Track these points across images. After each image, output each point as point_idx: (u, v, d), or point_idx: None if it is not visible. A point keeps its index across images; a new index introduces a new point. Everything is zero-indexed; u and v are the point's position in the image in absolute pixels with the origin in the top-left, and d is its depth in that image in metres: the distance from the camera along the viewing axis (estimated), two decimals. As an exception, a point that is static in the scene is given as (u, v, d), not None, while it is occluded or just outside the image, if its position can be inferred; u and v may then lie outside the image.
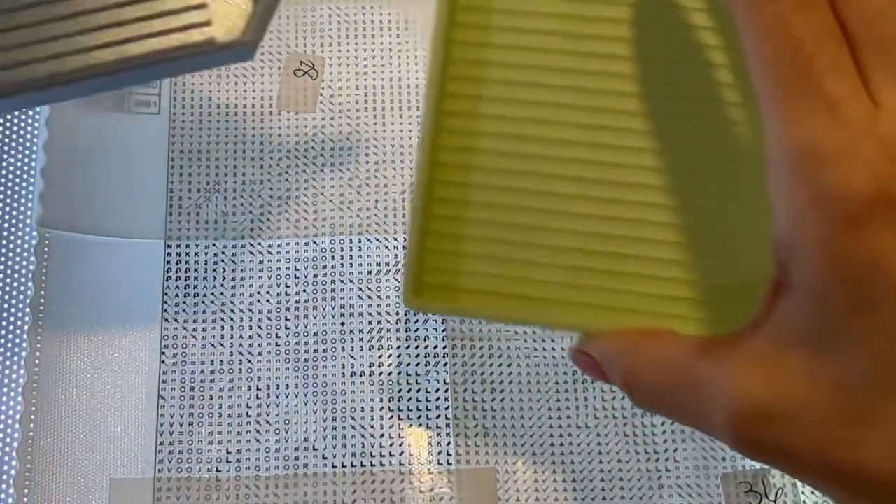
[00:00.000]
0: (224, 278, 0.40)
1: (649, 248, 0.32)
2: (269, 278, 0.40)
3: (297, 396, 0.39)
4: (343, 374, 0.39)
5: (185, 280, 0.40)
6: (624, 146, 0.32)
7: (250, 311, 0.40)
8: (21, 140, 0.42)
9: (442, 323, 0.40)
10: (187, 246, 0.41)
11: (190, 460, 0.38)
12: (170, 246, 0.41)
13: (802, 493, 0.38)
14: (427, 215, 0.32)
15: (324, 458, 0.38)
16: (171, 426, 0.38)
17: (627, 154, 0.32)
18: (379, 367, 0.39)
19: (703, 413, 0.25)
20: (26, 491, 0.37)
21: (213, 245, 0.41)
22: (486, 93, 0.32)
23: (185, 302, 0.40)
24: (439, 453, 0.38)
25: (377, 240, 0.41)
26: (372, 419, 0.39)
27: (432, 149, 0.32)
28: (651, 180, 0.32)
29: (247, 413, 0.39)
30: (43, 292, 0.40)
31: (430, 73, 0.32)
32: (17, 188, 0.42)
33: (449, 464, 0.38)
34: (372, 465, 0.38)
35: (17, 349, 0.39)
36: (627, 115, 0.32)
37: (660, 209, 0.32)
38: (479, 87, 0.32)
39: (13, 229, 0.41)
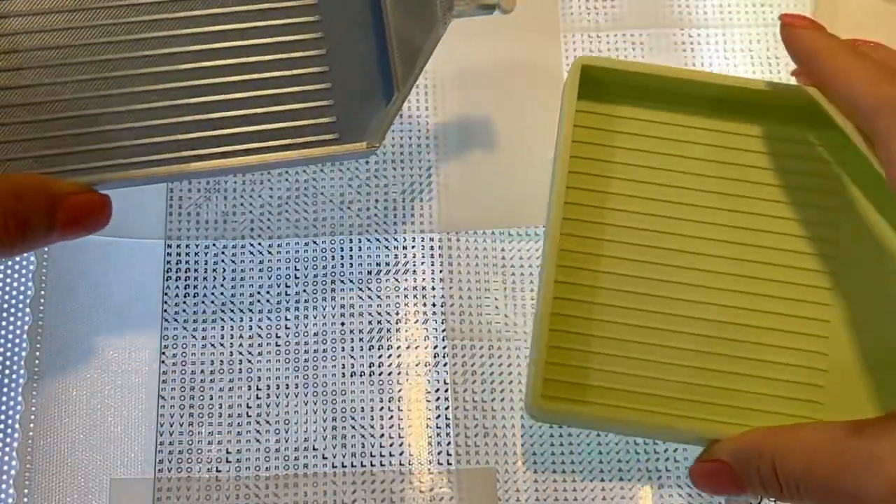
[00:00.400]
0: (224, 278, 0.40)
1: (766, 353, 0.35)
2: (269, 278, 0.40)
3: (297, 396, 0.39)
4: (343, 374, 0.39)
5: (185, 280, 0.40)
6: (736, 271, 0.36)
7: (250, 311, 0.40)
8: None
9: (442, 323, 0.40)
10: (187, 246, 0.41)
11: (190, 460, 0.38)
12: (170, 246, 0.41)
13: (802, 493, 0.38)
14: (551, 330, 0.34)
15: (324, 458, 0.38)
16: (171, 426, 0.38)
17: (741, 271, 0.36)
18: (379, 367, 0.39)
19: (860, 489, 0.26)
20: (26, 491, 0.37)
21: (213, 245, 0.41)
22: (606, 215, 0.36)
23: (185, 302, 0.40)
24: (439, 453, 0.38)
25: (377, 240, 0.41)
26: (372, 419, 0.39)
27: (554, 261, 0.34)
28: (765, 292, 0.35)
29: (247, 413, 0.39)
30: (43, 292, 0.39)
31: (555, 188, 0.34)
32: None
33: (449, 464, 0.38)
34: (372, 465, 0.38)
35: (17, 349, 0.39)
36: (741, 231, 0.36)
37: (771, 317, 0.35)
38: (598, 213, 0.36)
39: (13, 229, 0.41)
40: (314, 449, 0.38)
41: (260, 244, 0.41)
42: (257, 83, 0.34)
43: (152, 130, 0.33)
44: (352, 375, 0.39)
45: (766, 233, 0.36)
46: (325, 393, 0.39)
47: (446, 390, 0.39)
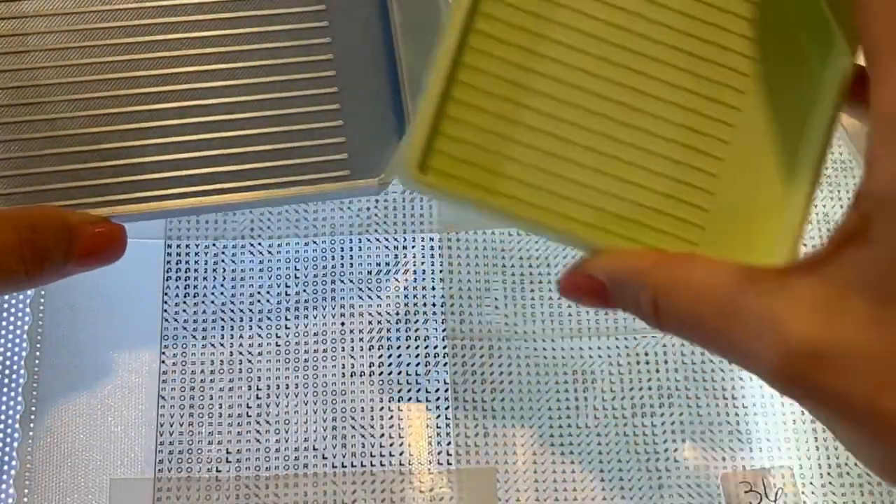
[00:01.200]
0: (224, 278, 0.40)
1: (661, 165, 0.31)
2: (269, 278, 0.40)
3: (297, 396, 0.39)
4: (343, 374, 0.39)
5: (185, 280, 0.40)
6: (642, 72, 0.31)
7: (250, 311, 0.40)
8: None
9: (442, 323, 0.40)
10: (187, 246, 0.41)
11: (190, 460, 0.38)
12: (170, 246, 0.41)
13: (803, 493, 0.38)
14: (446, 96, 0.30)
15: (324, 458, 0.38)
16: (171, 426, 0.38)
17: (646, 79, 0.31)
18: (379, 367, 0.39)
19: (746, 345, 0.24)
20: (26, 491, 0.37)
21: (213, 245, 0.41)
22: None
23: (185, 302, 0.40)
24: (439, 453, 0.38)
25: (377, 240, 0.41)
26: (372, 419, 0.39)
27: (459, 34, 0.30)
28: (663, 101, 0.31)
29: (247, 413, 0.39)
30: (43, 292, 0.39)
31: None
32: None
33: (449, 464, 0.38)
34: (372, 465, 0.38)
35: (17, 349, 0.39)
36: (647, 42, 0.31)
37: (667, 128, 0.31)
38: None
39: (13, 229, 0.41)
40: (314, 449, 0.38)
41: (260, 244, 0.41)
42: (270, 120, 0.34)
43: (169, 165, 0.34)
44: (352, 375, 0.39)
45: (670, 67, 0.32)
46: (325, 393, 0.39)
47: (446, 390, 0.39)
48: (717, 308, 0.25)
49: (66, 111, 0.33)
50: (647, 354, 0.40)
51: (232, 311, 0.40)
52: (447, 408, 0.39)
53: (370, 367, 0.39)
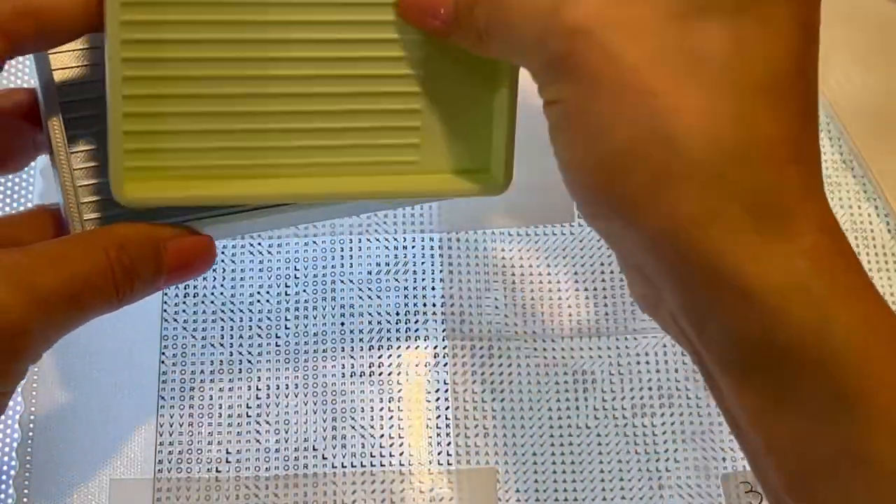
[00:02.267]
0: (224, 278, 0.40)
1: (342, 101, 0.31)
2: (269, 278, 0.40)
3: (297, 396, 0.39)
4: (343, 374, 0.39)
5: (185, 280, 0.40)
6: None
7: (250, 311, 0.40)
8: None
9: (442, 323, 0.40)
10: (187, 246, 0.41)
11: (190, 460, 0.38)
12: (170, 246, 0.41)
13: (802, 493, 0.38)
14: (122, 115, 0.30)
15: (324, 458, 0.38)
16: (171, 426, 0.38)
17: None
18: (379, 367, 0.39)
19: (525, 31, 0.25)
20: (26, 491, 0.37)
21: (213, 245, 0.41)
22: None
23: (185, 302, 0.40)
24: (439, 453, 0.38)
25: (377, 240, 0.41)
26: (372, 419, 0.39)
27: (120, 49, 0.29)
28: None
29: (247, 413, 0.39)
30: (43, 292, 0.39)
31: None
32: (17, 191, 0.42)
33: (449, 464, 0.38)
34: (372, 465, 0.38)
35: (17, 349, 0.39)
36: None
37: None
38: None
39: (13, 229, 0.41)
40: (314, 449, 0.38)
41: (260, 244, 0.41)
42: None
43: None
44: (352, 375, 0.39)
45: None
46: (325, 393, 0.39)
47: (446, 390, 0.39)
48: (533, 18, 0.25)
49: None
50: (647, 354, 0.40)
51: (232, 311, 0.40)
52: (447, 408, 0.39)
53: (370, 367, 0.39)
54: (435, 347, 0.40)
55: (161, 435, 0.38)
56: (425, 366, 0.39)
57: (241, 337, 0.40)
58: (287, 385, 0.39)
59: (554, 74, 0.25)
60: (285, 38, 0.31)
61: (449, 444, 0.38)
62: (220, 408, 0.39)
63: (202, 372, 0.39)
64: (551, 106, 0.25)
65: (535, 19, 0.25)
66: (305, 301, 0.40)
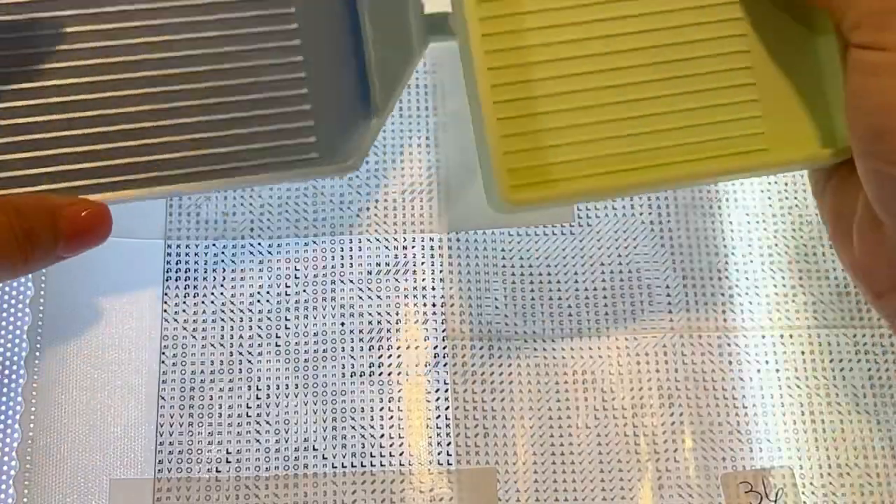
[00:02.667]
0: (224, 278, 0.40)
1: (716, 97, 0.33)
2: (269, 278, 0.40)
3: (297, 396, 0.39)
4: (343, 374, 0.39)
5: (185, 280, 0.40)
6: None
7: (250, 311, 0.40)
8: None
9: (442, 323, 0.40)
10: (187, 246, 0.41)
11: (190, 460, 0.38)
12: (170, 246, 0.41)
13: (803, 493, 0.38)
14: (496, 120, 0.32)
15: (324, 458, 0.38)
16: (171, 426, 0.38)
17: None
18: (379, 367, 0.39)
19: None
20: (26, 491, 0.37)
21: (213, 245, 0.41)
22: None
23: (185, 302, 0.40)
24: (439, 453, 0.38)
25: (377, 240, 0.41)
26: (372, 419, 0.39)
27: (484, 56, 0.32)
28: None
29: (247, 413, 0.39)
30: (43, 292, 0.39)
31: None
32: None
33: (449, 464, 0.38)
34: (372, 465, 0.38)
35: (17, 349, 0.39)
36: None
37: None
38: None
39: (13, 229, 0.41)
40: (314, 449, 0.38)
41: (260, 244, 0.41)
42: (236, 105, 0.34)
43: (141, 150, 0.34)
44: (352, 375, 0.39)
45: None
46: (325, 393, 0.39)
47: (446, 390, 0.39)
48: None
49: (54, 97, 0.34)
50: (647, 354, 0.40)
51: (232, 311, 0.40)
52: (447, 408, 0.39)
53: (370, 367, 0.39)
54: (435, 347, 0.40)
55: (161, 435, 0.38)
56: (425, 366, 0.39)
57: (241, 337, 0.40)
58: (287, 385, 0.39)
59: (882, 19, 0.27)
60: (629, 30, 0.33)
61: (449, 444, 0.38)
62: (220, 408, 0.39)
63: (202, 372, 0.39)
64: (867, 51, 0.28)
65: None
66: (305, 301, 0.40)
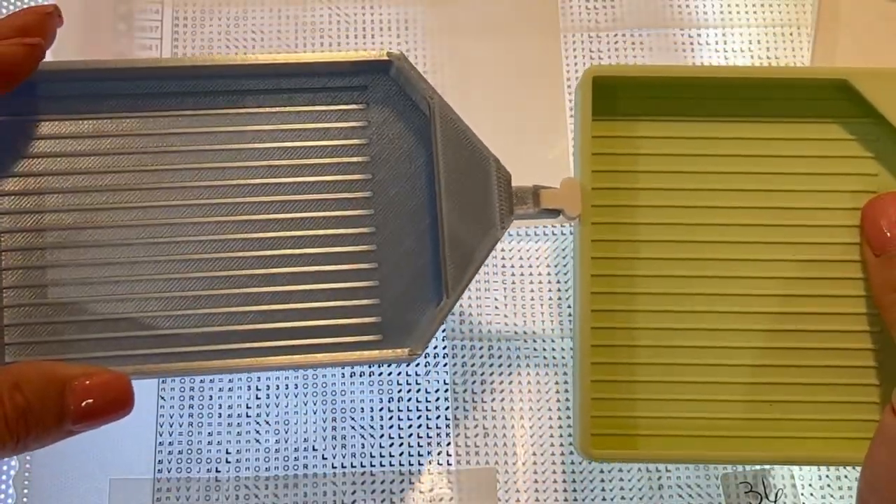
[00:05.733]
0: (224, 278, 0.40)
1: (823, 375, 0.34)
2: (269, 278, 0.40)
3: (297, 396, 0.39)
4: (343, 374, 0.39)
5: (185, 280, 0.40)
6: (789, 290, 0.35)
7: (250, 311, 0.40)
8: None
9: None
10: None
11: (189, 460, 0.38)
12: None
13: (802, 494, 0.38)
14: (591, 381, 0.33)
15: (323, 458, 0.38)
16: (171, 426, 0.38)
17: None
18: (379, 367, 0.39)
19: None
20: (26, 491, 0.37)
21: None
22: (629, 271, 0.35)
23: (184, 302, 0.40)
24: (439, 453, 0.38)
25: (377, 240, 0.41)
26: (372, 419, 0.39)
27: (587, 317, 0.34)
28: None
29: (246, 413, 0.39)
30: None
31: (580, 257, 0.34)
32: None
33: (449, 464, 0.38)
34: (372, 465, 0.38)
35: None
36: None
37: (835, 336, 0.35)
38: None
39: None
40: (314, 449, 0.38)
41: (260, 244, 0.41)
42: (306, 276, 0.32)
43: (195, 321, 0.32)
44: (352, 375, 0.39)
45: (808, 244, 0.35)
46: (325, 393, 0.39)
47: (446, 390, 0.39)
48: None
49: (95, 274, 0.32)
50: (647, 355, 0.40)
51: (232, 311, 0.40)
52: (447, 408, 0.39)
53: (370, 367, 0.39)
54: (435, 347, 0.40)
55: (161, 435, 0.38)
56: (425, 366, 0.39)
57: (241, 337, 0.40)
58: (287, 385, 0.39)
59: None
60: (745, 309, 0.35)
61: (449, 444, 0.38)
62: (220, 408, 0.39)
63: (202, 372, 0.39)
64: None
65: None
66: (305, 301, 0.40)
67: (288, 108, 0.33)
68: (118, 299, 0.31)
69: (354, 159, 0.33)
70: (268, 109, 0.32)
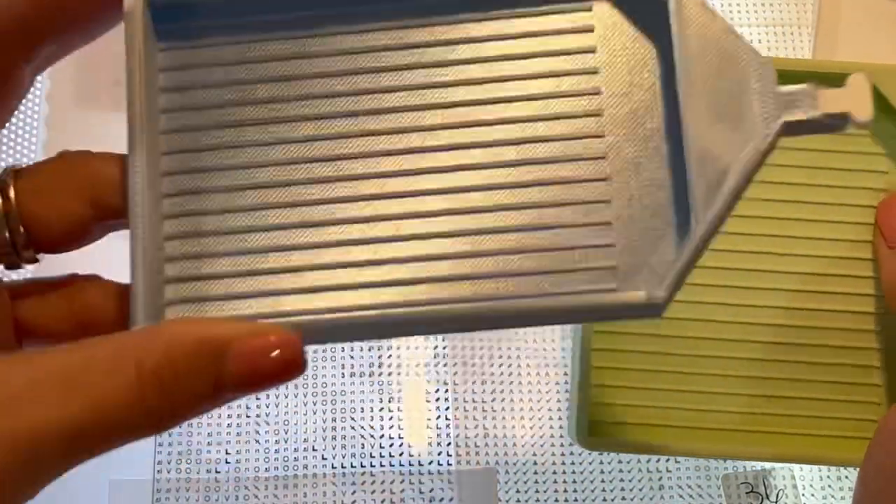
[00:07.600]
0: (224, 278, 0.40)
1: (831, 373, 0.34)
2: (269, 278, 0.40)
3: (296, 397, 0.39)
4: (343, 374, 0.39)
5: (185, 280, 0.40)
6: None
7: (250, 311, 0.40)
8: (21, 139, 0.42)
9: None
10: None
11: (189, 461, 0.38)
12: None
13: (803, 494, 0.38)
14: (592, 367, 0.34)
15: (323, 458, 0.38)
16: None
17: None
18: (379, 367, 0.39)
19: None
20: (26, 491, 0.37)
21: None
22: None
23: (184, 302, 0.40)
24: (439, 454, 0.38)
25: (377, 240, 0.41)
26: (372, 419, 0.39)
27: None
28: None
29: (246, 413, 0.39)
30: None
31: None
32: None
33: (449, 464, 0.38)
34: (372, 465, 0.38)
35: (16, 349, 0.39)
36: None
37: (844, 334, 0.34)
38: None
39: (12, 229, 0.40)
40: (314, 450, 0.38)
41: (259, 244, 0.41)
42: (530, 213, 0.26)
43: (414, 269, 0.25)
44: (352, 375, 0.39)
45: (817, 240, 0.35)
46: (325, 393, 0.39)
47: (446, 390, 0.39)
48: None
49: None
50: (647, 355, 0.40)
51: (231, 311, 0.40)
52: (447, 408, 0.39)
53: (370, 367, 0.39)
54: (435, 347, 0.40)
55: (160, 435, 0.38)
56: (425, 366, 0.39)
57: (240, 337, 0.39)
58: (287, 385, 0.39)
59: None
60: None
61: (449, 444, 0.38)
62: (220, 408, 0.39)
63: (202, 372, 0.39)
64: None
65: None
66: (305, 301, 0.40)
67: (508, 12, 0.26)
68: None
69: (579, 68, 0.27)
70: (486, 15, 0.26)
